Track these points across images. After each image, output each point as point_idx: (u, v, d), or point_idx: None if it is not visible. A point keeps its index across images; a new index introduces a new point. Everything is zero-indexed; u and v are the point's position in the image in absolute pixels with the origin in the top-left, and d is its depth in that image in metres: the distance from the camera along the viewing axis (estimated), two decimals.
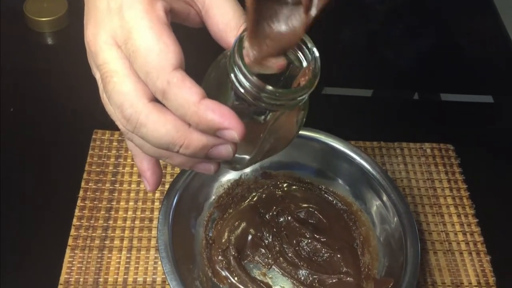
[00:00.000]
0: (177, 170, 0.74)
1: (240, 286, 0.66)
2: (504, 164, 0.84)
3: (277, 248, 0.69)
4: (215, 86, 0.44)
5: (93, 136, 0.79)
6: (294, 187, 0.75)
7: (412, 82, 0.99)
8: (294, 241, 0.70)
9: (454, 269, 0.72)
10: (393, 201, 0.69)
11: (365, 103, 0.93)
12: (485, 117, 0.92)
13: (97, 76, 0.44)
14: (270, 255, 0.69)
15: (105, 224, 0.71)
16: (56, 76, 0.85)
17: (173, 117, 0.41)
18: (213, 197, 0.72)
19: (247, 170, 0.73)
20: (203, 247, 0.68)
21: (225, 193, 0.73)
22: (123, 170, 0.76)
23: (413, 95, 0.99)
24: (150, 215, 0.72)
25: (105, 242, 0.69)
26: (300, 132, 0.49)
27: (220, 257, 0.68)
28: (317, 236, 0.70)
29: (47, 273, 0.67)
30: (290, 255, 0.69)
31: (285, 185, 0.75)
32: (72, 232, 0.70)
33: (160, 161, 0.49)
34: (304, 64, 0.43)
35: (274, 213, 0.72)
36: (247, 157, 0.47)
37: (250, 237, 0.69)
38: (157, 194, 0.74)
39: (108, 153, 0.77)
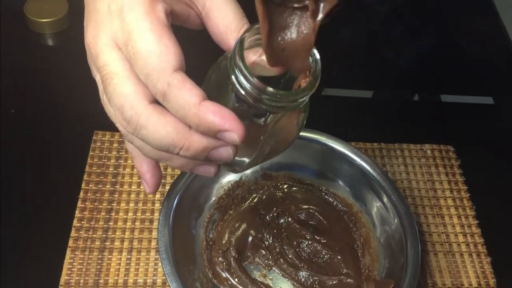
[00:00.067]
0: (178, 171, 0.74)
1: (241, 287, 0.66)
2: (504, 165, 0.84)
3: (278, 250, 0.69)
4: (215, 88, 0.44)
5: (94, 137, 0.79)
6: (294, 188, 0.75)
7: (412, 83, 0.98)
8: (295, 243, 0.70)
9: (454, 271, 0.72)
10: (393, 202, 0.69)
11: (365, 104, 0.93)
12: (486, 118, 0.92)
13: (97, 78, 0.44)
14: (270, 257, 0.69)
15: (106, 226, 0.71)
16: (56, 77, 0.85)
17: (173, 119, 0.41)
18: (214, 198, 0.72)
19: (248, 171, 0.73)
20: (203, 249, 0.68)
21: (225, 194, 0.73)
22: (123, 172, 0.76)
23: (413, 96, 0.99)
24: (151, 217, 0.72)
25: (106, 243, 0.69)
26: (301, 133, 0.49)
27: (220, 259, 0.68)
28: (318, 238, 0.70)
29: (47, 274, 0.67)
30: (290, 256, 0.69)
31: (285, 186, 0.75)
32: (73, 233, 0.70)
33: (160, 163, 0.49)
34: None
35: (275, 214, 0.72)
36: (247, 159, 0.47)
37: (250, 238, 0.69)
38: (158, 196, 0.74)
39: (109, 155, 0.77)
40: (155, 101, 0.41)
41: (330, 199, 0.75)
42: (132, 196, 0.74)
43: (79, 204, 0.72)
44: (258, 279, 0.67)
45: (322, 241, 0.70)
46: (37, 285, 0.66)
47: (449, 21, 1.06)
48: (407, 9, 1.04)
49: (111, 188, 0.74)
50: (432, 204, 0.78)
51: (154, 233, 0.71)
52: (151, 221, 0.72)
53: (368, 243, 0.71)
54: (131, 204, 0.73)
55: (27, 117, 0.81)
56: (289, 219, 0.71)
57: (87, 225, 0.70)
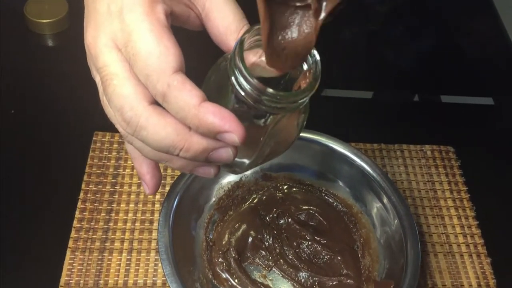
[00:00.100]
0: (178, 172, 0.74)
1: None
2: (505, 166, 0.84)
3: (278, 250, 0.69)
4: (215, 89, 0.44)
5: (94, 138, 0.79)
6: (294, 189, 0.75)
7: (412, 84, 0.98)
8: (295, 243, 0.70)
9: (454, 271, 0.72)
10: (393, 203, 0.69)
11: (365, 105, 0.93)
12: (486, 119, 0.92)
13: (97, 79, 0.44)
14: (270, 257, 0.69)
15: (106, 226, 0.71)
16: (56, 78, 0.85)
17: (173, 120, 0.41)
18: (214, 199, 0.72)
19: (248, 172, 0.73)
20: (203, 249, 0.68)
21: (225, 195, 0.73)
22: (123, 172, 0.76)
23: (414, 96, 0.99)
24: (151, 217, 0.72)
25: (106, 244, 0.69)
26: (301, 134, 0.49)
27: (220, 259, 0.68)
28: (318, 238, 0.70)
29: (47, 274, 0.67)
30: (290, 257, 0.69)
31: (285, 187, 0.75)
32: (73, 234, 0.70)
33: (160, 164, 0.49)
34: (305, 67, 0.43)
35: (275, 215, 0.72)
36: (247, 160, 0.47)
37: (250, 239, 0.69)
38: (158, 196, 0.74)
39: (109, 155, 0.77)
40: (155, 102, 0.41)
41: (330, 200, 0.75)
42: (132, 197, 0.74)
43: (79, 205, 0.72)
44: (258, 279, 0.67)
45: (322, 241, 0.70)
46: (37, 286, 0.66)
47: (448, 21, 1.07)
48: (407, 9, 1.04)
49: (111, 189, 0.74)
50: (432, 205, 0.78)
51: (154, 234, 0.71)
52: (151, 222, 0.72)
53: (368, 244, 0.71)
54: (131, 205, 0.73)
55: (27, 118, 0.81)
56: (289, 219, 0.71)
57: (87, 226, 0.70)
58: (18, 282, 0.66)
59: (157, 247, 0.66)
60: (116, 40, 0.42)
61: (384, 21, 1.02)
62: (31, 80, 0.85)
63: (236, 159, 0.44)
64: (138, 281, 0.67)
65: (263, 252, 0.69)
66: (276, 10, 0.42)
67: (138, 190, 0.75)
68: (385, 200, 0.70)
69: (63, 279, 0.66)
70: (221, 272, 0.67)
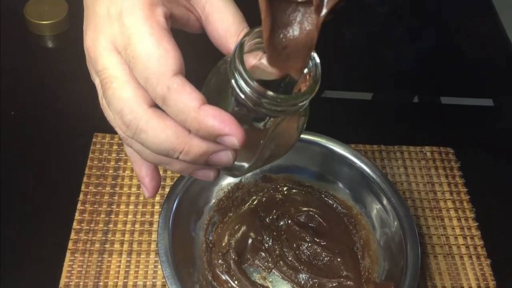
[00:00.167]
0: (178, 173, 0.74)
1: None
2: (504, 167, 0.84)
3: (277, 252, 0.69)
4: (215, 92, 0.44)
5: (93, 140, 0.79)
6: (294, 190, 0.75)
7: (412, 85, 0.99)
8: (294, 245, 0.70)
9: (454, 273, 0.72)
10: (393, 204, 0.69)
11: (365, 106, 0.93)
12: (485, 120, 0.92)
13: (97, 82, 0.44)
14: (270, 259, 0.69)
15: (105, 228, 0.71)
16: (56, 79, 0.85)
17: (173, 123, 0.41)
18: (213, 200, 0.72)
19: (247, 174, 0.73)
20: (203, 251, 0.68)
21: (225, 196, 0.73)
22: (123, 174, 0.76)
23: (413, 98, 0.99)
24: (150, 219, 0.72)
25: (105, 245, 0.69)
26: (300, 135, 0.49)
27: (220, 261, 0.68)
28: (317, 240, 0.70)
29: (47, 275, 0.67)
30: (290, 258, 0.69)
31: (285, 188, 0.75)
32: (72, 235, 0.70)
33: (160, 166, 0.49)
34: (305, 70, 0.43)
35: (274, 216, 0.72)
36: (247, 163, 0.47)
37: (250, 240, 0.69)
38: (157, 198, 0.74)
39: (108, 157, 0.77)
40: (155, 105, 0.41)
41: (329, 201, 0.75)
42: (132, 198, 0.74)
43: (79, 206, 0.72)
44: (258, 281, 0.67)
45: (322, 243, 0.70)
46: (37, 286, 0.66)
47: (448, 23, 1.06)
48: (406, 10, 1.04)
49: (110, 191, 0.74)
50: (432, 206, 0.78)
51: (154, 236, 0.71)
52: (151, 224, 0.72)
53: (368, 246, 0.71)
54: (131, 207, 0.73)
55: (27, 119, 0.81)
56: (289, 221, 0.71)
57: (86, 227, 0.70)
58: (17, 282, 0.66)
59: (156, 248, 0.65)
60: (116, 43, 0.42)
61: (384, 22, 1.02)
62: (31, 81, 0.85)
63: (236, 162, 0.44)
64: (138, 283, 0.67)
65: (263, 254, 0.69)
66: (277, 7, 0.42)
67: (138, 191, 0.75)
68: (385, 201, 0.70)
69: (63, 280, 0.66)
70: (220, 274, 0.67)
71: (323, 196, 0.75)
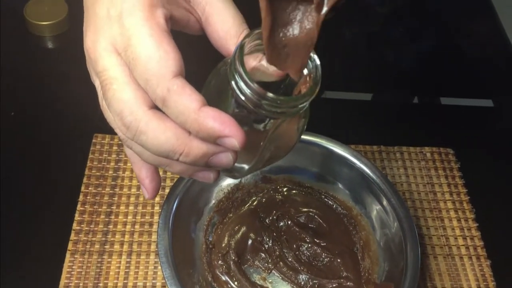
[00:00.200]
0: (178, 175, 0.74)
1: None
2: (504, 168, 0.84)
3: (277, 253, 0.69)
4: (215, 94, 0.44)
5: (93, 140, 0.79)
6: (294, 191, 0.75)
7: (412, 85, 0.99)
8: (294, 246, 0.70)
9: (454, 274, 0.72)
10: (393, 205, 0.69)
11: (364, 107, 0.93)
12: (485, 121, 0.92)
13: (97, 84, 0.44)
14: (270, 260, 0.69)
15: (105, 229, 0.71)
16: (56, 80, 0.85)
17: (173, 125, 0.41)
18: (213, 201, 0.72)
19: (247, 175, 0.73)
20: (203, 252, 0.68)
21: (225, 197, 0.73)
22: (123, 175, 0.76)
23: (413, 98, 0.99)
24: (150, 220, 0.72)
25: (105, 246, 0.69)
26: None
27: (220, 262, 0.68)
28: (317, 241, 0.70)
29: (47, 276, 0.67)
30: (290, 259, 0.69)
31: (285, 189, 0.75)
32: (72, 236, 0.70)
33: (160, 168, 0.49)
34: (305, 71, 0.43)
35: (274, 217, 0.72)
36: (247, 165, 0.47)
37: (250, 241, 0.69)
38: (157, 199, 0.74)
39: (108, 157, 0.77)
40: (155, 107, 0.41)
41: (329, 202, 0.75)
42: (132, 199, 0.74)
43: (79, 207, 0.72)
44: (258, 282, 0.67)
45: (322, 244, 0.70)
46: (36, 287, 0.66)
47: (447, 23, 1.06)
48: (406, 11, 1.04)
49: (110, 191, 0.74)
50: (432, 207, 0.78)
51: (154, 236, 0.71)
52: (151, 224, 0.72)
53: (367, 246, 0.71)
54: (131, 207, 0.73)
55: (27, 120, 0.81)
56: (289, 222, 0.71)
57: (86, 228, 0.70)
58: (17, 283, 0.66)
59: (156, 249, 0.65)
60: (116, 45, 0.42)
61: (383, 22, 1.02)
62: (30, 82, 0.85)
63: (236, 164, 0.44)
64: (138, 284, 0.67)
65: (263, 255, 0.69)
66: (278, 6, 0.42)
67: (138, 192, 0.74)
68: (384, 202, 0.70)
69: (63, 281, 0.66)
70: (220, 275, 0.67)
71: (323, 197, 0.75)
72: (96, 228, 0.71)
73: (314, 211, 0.73)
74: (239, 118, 0.40)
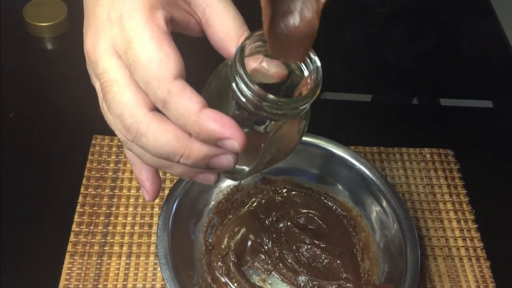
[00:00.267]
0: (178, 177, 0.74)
1: None
2: (504, 169, 0.84)
3: (277, 254, 0.69)
4: (216, 96, 0.44)
5: (93, 142, 0.78)
6: (293, 192, 0.75)
7: (411, 86, 0.99)
8: (294, 247, 0.70)
9: (453, 275, 0.72)
10: (392, 206, 0.69)
11: (364, 108, 0.93)
12: (485, 122, 0.92)
13: (97, 85, 0.44)
14: (269, 261, 0.69)
15: (105, 230, 0.71)
16: (55, 81, 0.85)
17: (173, 127, 0.41)
18: (213, 203, 0.72)
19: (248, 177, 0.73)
20: (202, 253, 0.68)
21: (224, 198, 0.73)
22: (122, 176, 0.76)
23: (413, 99, 0.99)
24: (150, 221, 0.72)
25: (105, 248, 0.69)
26: None
27: (219, 263, 0.68)
28: (317, 242, 0.70)
29: (47, 276, 0.66)
30: (289, 261, 0.69)
31: (284, 190, 0.75)
32: (72, 238, 0.69)
33: (160, 170, 0.48)
34: (306, 73, 0.43)
35: (274, 218, 0.72)
36: (247, 167, 0.47)
37: (249, 243, 0.69)
38: (157, 200, 0.74)
39: (108, 159, 0.77)
40: (155, 109, 0.41)
41: (329, 203, 0.75)
42: (131, 200, 0.74)
43: (78, 208, 0.72)
44: (257, 283, 0.67)
45: (322, 245, 0.70)
46: None
47: (447, 25, 1.07)
48: (406, 11, 1.04)
49: (110, 193, 0.74)
50: (432, 208, 0.78)
51: (153, 238, 0.71)
52: (150, 226, 0.72)
53: (367, 248, 0.71)
54: (130, 209, 0.73)
55: (26, 121, 0.81)
56: (289, 223, 0.71)
57: (86, 229, 0.70)
58: (17, 283, 0.66)
59: (156, 251, 0.65)
60: (116, 47, 0.42)
61: (383, 22, 1.02)
62: (30, 83, 0.85)
63: (237, 165, 0.44)
64: (137, 285, 0.67)
65: (262, 256, 0.69)
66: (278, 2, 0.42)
67: (137, 193, 0.74)
68: (384, 203, 0.70)
69: (62, 283, 0.66)
70: (220, 276, 0.67)
71: (323, 198, 0.75)
72: (95, 230, 0.71)
73: (314, 212, 0.73)
74: (239, 120, 0.40)
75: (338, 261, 0.68)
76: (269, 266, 0.68)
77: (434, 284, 0.71)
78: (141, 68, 0.40)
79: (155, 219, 0.72)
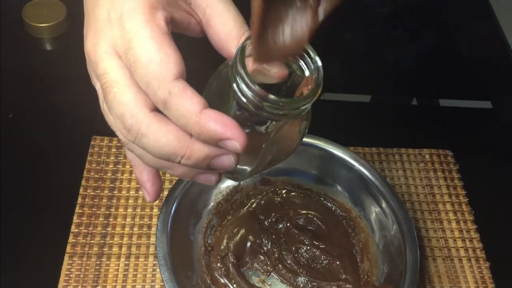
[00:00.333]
0: (179, 178, 0.74)
1: None
2: (503, 169, 0.84)
3: (276, 255, 0.69)
4: (216, 96, 0.44)
5: (92, 143, 0.78)
6: (293, 193, 0.75)
7: (411, 87, 0.99)
8: (293, 248, 0.70)
9: (453, 276, 0.72)
10: (392, 207, 0.69)
11: (363, 109, 0.93)
12: (484, 122, 0.92)
13: (97, 86, 0.44)
14: (269, 262, 0.69)
15: (104, 231, 0.71)
16: (54, 82, 0.85)
17: (174, 127, 0.41)
18: (212, 203, 0.72)
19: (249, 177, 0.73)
20: (201, 254, 0.68)
21: (224, 199, 0.73)
22: (121, 177, 0.76)
23: (412, 100, 0.99)
24: (149, 222, 0.72)
25: (104, 249, 0.69)
26: None
27: (219, 264, 0.68)
28: (316, 243, 0.70)
29: (47, 276, 0.66)
30: (289, 262, 0.69)
31: (284, 191, 0.75)
32: (71, 239, 0.69)
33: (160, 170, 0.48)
34: (307, 73, 0.43)
35: (273, 219, 0.72)
36: (248, 167, 0.47)
37: (249, 244, 0.69)
38: (156, 201, 0.74)
39: (107, 160, 0.77)
40: (156, 110, 0.41)
41: (328, 204, 0.74)
42: (130, 201, 0.74)
43: (77, 209, 0.72)
44: (257, 284, 0.67)
45: (321, 246, 0.69)
46: None
47: (446, 26, 1.07)
48: (406, 11, 1.04)
49: (109, 194, 0.74)
50: (431, 209, 0.78)
51: (152, 239, 0.70)
52: (149, 227, 0.72)
53: (367, 249, 0.71)
54: (129, 210, 0.73)
55: (25, 122, 0.81)
56: (288, 224, 0.71)
57: (85, 230, 0.70)
58: (17, 283, 0.66)
59: (155, 252, 0.65)
60: (116, 47, 0.41)
61: (382, 23, 1.02)
62: (29, 83, 0.85)
63: (238, 166, 0.44)
64: (136, 287, 0.67)
65: (262, 257, 0.69)
66: (272, 8, 0.41)
67: (136, 194, 0.74)
68: (383, 204, 0.70)
69: (61, 284, 0.66)
70: (219, 277, 0.67)
71: (322, 199, 0.75)
72: (94, 231, 0.70)
73: (313, 213, 0.73)
74: (240, 121, 0.40)
75: (338, 262, 0.68)
76: (269, 267, 0.68)
77: (433, 285, 0.71)
78: (142, 68, 0.40)
79: (154, 220, 0.72)
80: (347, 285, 0.67)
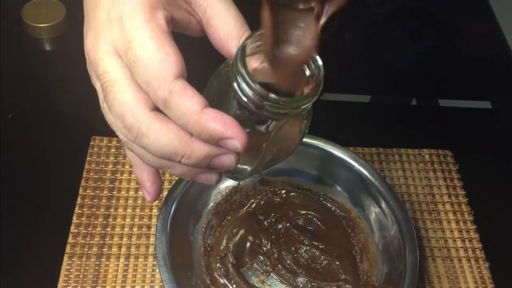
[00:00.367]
0: (176, 177, 0.74)
1: None
2: (502, 170, 0.84)
3: (276, 255, 0.69)
4: (217, 95, 0.44)
5: (91, 143, 0.78)
6: (292, 193, 0.75)
7: (410, 87, 0.99)
8: (293, 248, 0.70)
9: (452, 276, 0.72)
10: (391, 207, 0.69)
11: (363, 109, 0.93)
12: (483, 123, 0.92)
13: (97, 86, 0.44)
14: (268, 262, 0.69)
15: (103, 232, 0.70)
16: (54, 82, 0.85)
17: (175, 127, 0.41)
18: (211, 204, 0.72)
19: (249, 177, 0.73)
20: (201, 255, 0.68)
21: (223, 200, 0.73)
22: (121, 177, 0.76)
23: (411, 100, 0.99)
24: (148, 222, 0.72)
25: (103, 249, 0.69)
26: None
27: (218, 265, 0.67)
28: (316, 243, 0.70)
29: (47, 276, 0.66)
30: (288, 262, 0.69)
31: (283, 191, 0.75)
32: (70, 239, 0.69)
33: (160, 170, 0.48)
34: (307, 72, 0.43)
35: (273, 220, 0.72)
36: (249, 167, 0.47)
37: (248, 244, 0.69)
38: (155, 201, 0.74)
39: (106, 160, 0.77)
40: (156, 109, 0.41)
41: (328, 204, 0.74)
42: (130, 201, 0.74)
43: (77, 210, 0.72)
44: (256, 285, 0.67)
45: (320, 246, 0.69)
46: None
47: (446, 26, 1.07)
48: (406, 11, 1.04)
49: (108, 194, 0.74)
50: (430, 209, 0.78)
51: (152, 239, 0.70)
52: (149, 227, 0.72)
53: (366, 249, 0.71)
54: (129, 210, 0.73)
55: (25, 122, 0.81)
56: (287, 224, 0.71)
57: (84, 231, 0.70)
58: (17, 283, 0.66)
59: (154, 252, 0.65)
60: (117, 47, 0.41)
61: (382, 23, 1.02)
62: (28, 84, 0.85)
63: (238, 165, 0.44)
64: (136, 287, 0.67)
65: (261, 257, 0.69)
66: (278, 19, 0.42)
67: (136, 195, 0.74)
68: (383, 204, 0.70)
69: (60, 285, 0.66)
70: (219, 278, 0.67)
71: (322, 199, 0.75)
72: (94, 231, 0.70)
73: (313, 213, 0.73)
74: (241, 120, 0.40)
75: (337, 262, 0.68)
76: (268, 267, 0.68)
77: (433, 285, 0.71)
78: (142, 68, 0.40)
79: (154, 220, 0.72)
80: (347, 285, 0.67)
